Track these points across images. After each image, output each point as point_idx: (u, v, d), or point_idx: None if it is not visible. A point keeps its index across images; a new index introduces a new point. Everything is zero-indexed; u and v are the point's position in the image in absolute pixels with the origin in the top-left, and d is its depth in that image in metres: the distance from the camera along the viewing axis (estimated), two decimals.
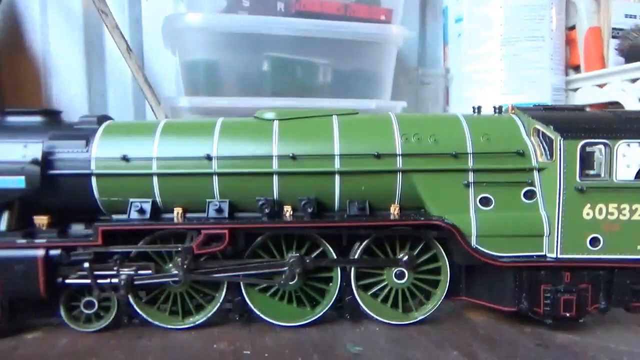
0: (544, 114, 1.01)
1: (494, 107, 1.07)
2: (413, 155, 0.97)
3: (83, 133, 0.99)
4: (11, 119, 1.03)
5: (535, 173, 0.97)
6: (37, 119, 1.03)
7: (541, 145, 0.97)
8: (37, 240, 0.92)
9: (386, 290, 1.02)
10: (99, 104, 2.64)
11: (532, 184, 0.97)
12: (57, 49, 2.17)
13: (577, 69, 1.68)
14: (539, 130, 0.98)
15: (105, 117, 1.07)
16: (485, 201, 0.97)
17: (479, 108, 1.07)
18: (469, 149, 0.97)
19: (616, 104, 1.50)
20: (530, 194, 0.97)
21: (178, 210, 0.98)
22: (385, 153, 0.96)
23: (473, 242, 0.95)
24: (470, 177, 0.97)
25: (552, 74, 1.58)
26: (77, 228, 1.02)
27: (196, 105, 2.30)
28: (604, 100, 1.56)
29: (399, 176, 0.97)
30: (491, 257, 0.95)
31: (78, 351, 0.92)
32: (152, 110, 2.37)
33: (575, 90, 1.65)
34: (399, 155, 0.97)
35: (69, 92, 2.50)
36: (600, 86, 1.56)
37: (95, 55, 2.42)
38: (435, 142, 0.97)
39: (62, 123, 1.05)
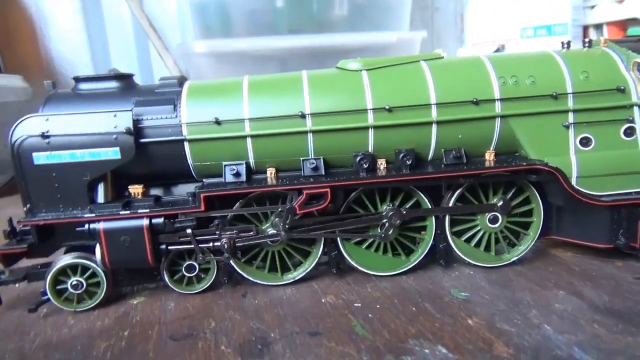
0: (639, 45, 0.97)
1: (584, 41, 1.03)
2: (512, 99, 0.94)
3: (168, 97, 0.95)
4: (84, 85, 0.99)
5: (636, 109, 0.95)
6: (112, 84, 0.99)
7: None
8: (140, 210, 0.91)
9: (479, 235, 1.03)
10: (101, 53, 2.53)
11: (632, 120, 0.95)
12: None
13: None
14: (639, 64, 0.95)
15: (183, 78, 1.03)
16: (585, 141, 0.95)
17: (569, 43, 1.02)
18: (569, 89, 0.94)
19: (635, 20, 1.44)
20: (630, 131, 0.96)
21: (271, 170, 0.97)
22: (483, 99, 0.93)
23: (573, 183, 0.95)
24: (571, 117, 0.95)
25: None
26: (157, 192, 1.01)
27: (213, 49, 2.19)
28: (623, 17, 1.49)
29: (498, 121, 0.95)
30: (592, 197, 0.95)
31: (192, 314, 0.94)
32: (160, 57, 2.26)
33: (593, 7, 1.57)
34: (498, 100, 0.94)
35: (68, 42, 2.38)
36: (620, 1, 1.48)
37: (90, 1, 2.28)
38: (533, 83, 0.94)
39: (139, 87, 1.01)
